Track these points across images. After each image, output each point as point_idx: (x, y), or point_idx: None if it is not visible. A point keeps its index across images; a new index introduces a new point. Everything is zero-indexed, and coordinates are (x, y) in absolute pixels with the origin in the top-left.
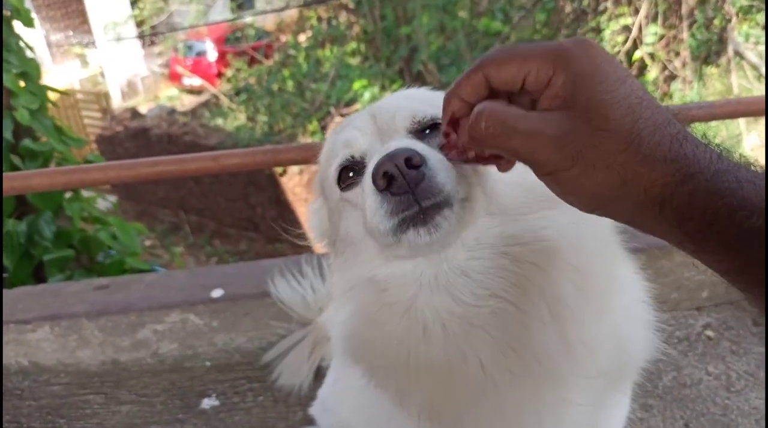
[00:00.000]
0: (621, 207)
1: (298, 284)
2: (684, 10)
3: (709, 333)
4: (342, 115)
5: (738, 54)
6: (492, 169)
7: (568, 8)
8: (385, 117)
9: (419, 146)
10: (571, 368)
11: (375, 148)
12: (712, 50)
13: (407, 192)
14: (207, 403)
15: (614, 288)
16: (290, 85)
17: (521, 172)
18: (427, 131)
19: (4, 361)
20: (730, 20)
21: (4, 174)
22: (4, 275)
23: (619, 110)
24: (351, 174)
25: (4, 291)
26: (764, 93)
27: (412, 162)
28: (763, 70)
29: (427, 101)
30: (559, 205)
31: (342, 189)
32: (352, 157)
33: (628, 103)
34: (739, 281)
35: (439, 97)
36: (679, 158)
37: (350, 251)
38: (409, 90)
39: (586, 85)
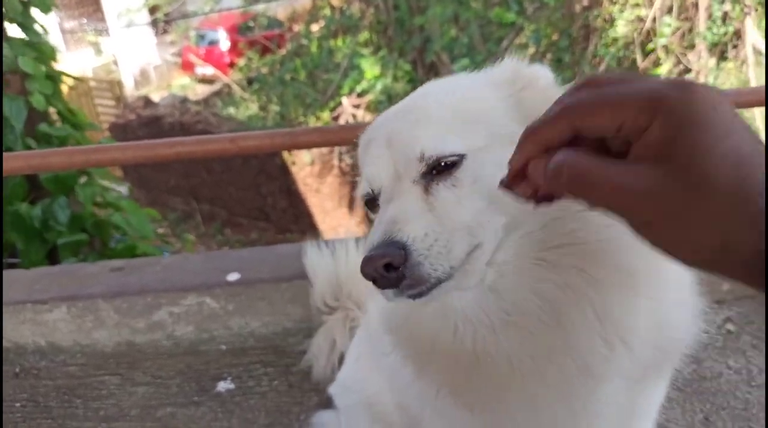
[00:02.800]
0: (721, 268)
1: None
2: (701, 2)
3: (730, 327)
4: (354, 106)
5: (756, 49)
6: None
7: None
8: (398, 155)
9: (409, 227)
10: (610, 366)
11: (390, 187)
12: (728, 44)
13: (393, 286)
14: (222, 386)
15: (658, 282)
16: (302, 74)
17: None
18: (434, 172)
19: (22, 340)
20: (748, 14)
21: (22, 153)
22: (18, 260)
23: (722, 168)
24: (375, 201)
25: (22, 272)
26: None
27: (393, 264)
28: None
29: (444, 121)
30: None
31: (370, 209)
32: (372, 191)
33: (735, 159)
34: None
35: (466, 100)
36: None
37: None
38: (432, 89)
39: (686, 138)
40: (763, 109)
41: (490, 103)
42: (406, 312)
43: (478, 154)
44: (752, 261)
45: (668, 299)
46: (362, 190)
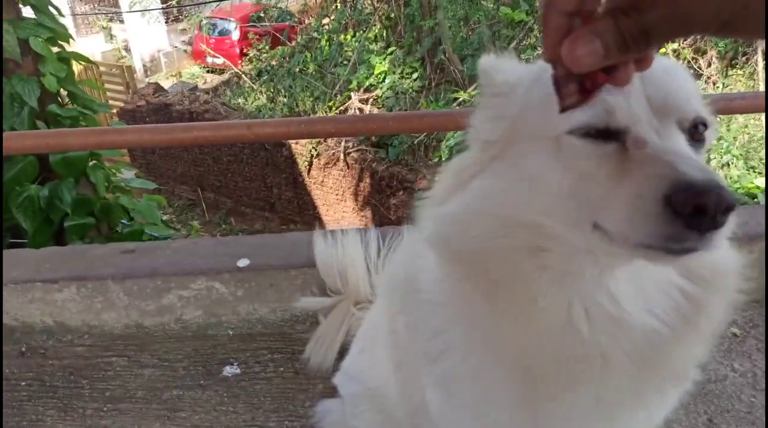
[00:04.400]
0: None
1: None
2: None
3: (735, 330)
4: (362, 101)
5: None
6: None
7: None
8: (660, 93)
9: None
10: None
11: (646, 125)
12: (739, 51)
13: (700, 236)
14: (229, 371)
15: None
16: (311, 67)
17: None
18: (692, 133)
19: (30, 319)
20: None
21: (38, 131)
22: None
23: None
24: (607, 133)
25: (31, 251)
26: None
27: (729, 209)
28: None
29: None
30: None
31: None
32: (609, 126)
33: None
34: None
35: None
36: None
37: (521, 180)
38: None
39: None
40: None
41: None
42: (477, 241)
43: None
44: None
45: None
46: (591, 118)
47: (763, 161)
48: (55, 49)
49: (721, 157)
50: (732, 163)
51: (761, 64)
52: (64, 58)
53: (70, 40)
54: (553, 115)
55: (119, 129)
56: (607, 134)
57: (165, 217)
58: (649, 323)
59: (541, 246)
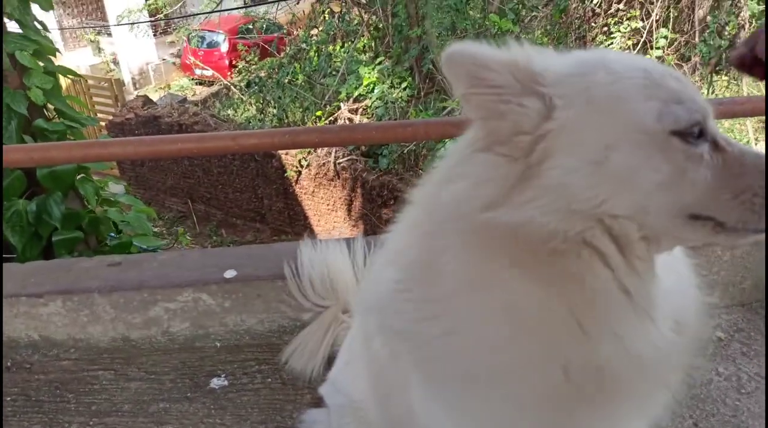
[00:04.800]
0: None
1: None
2: (697, 15)
3: (720, 334)
4: (351, 111)
5: None
6: None
7: (579, 9)
8: (697, 97)
9: None
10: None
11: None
12: (723, 57)
13: None
14: (216, 383)
15: None
16: (301, 78)
17: None
18: None
19: (14, 334)
20: (743, 26)
21: (23, 145)
22: (13, 255)
23: None
24: (701, 132)
25: (17, 265)
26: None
27: None
28: None
29: None
30: None
31: (689, 140)
32: (699, 123)
33: None
34: None
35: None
36: None
37: (605, 175)
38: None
39: None
40: (754, 119)
41: None
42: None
43: None
44: None
45: None
46: (689, 116)
47: None
48: (42, 63)
49: None
50: None
51: None
52: (50, 72)
53: (58, 53)
54: (651, 111)
55: (104, 142)
56: (700, 134)
57: (156, 229)
58: (671, 331)
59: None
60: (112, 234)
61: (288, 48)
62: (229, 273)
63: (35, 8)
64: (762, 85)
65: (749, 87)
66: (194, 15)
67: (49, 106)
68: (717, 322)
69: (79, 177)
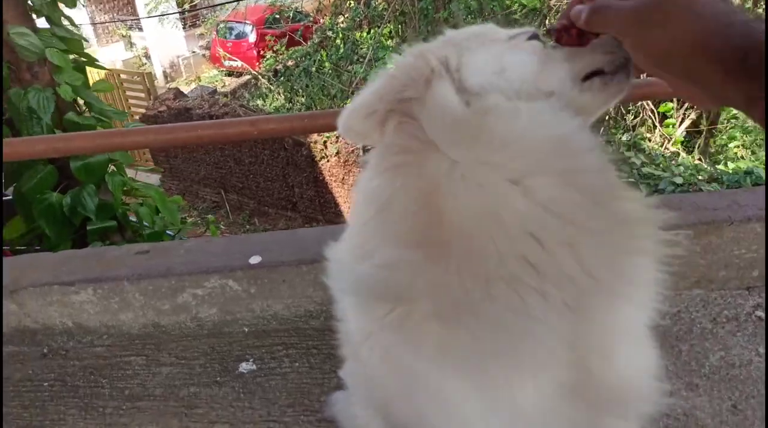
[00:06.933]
0: (697, 65)
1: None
2: None
3: (760, 313)
4: None
5: None
6: None
7: None
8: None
9: None
10: None
11: None
12: None
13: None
14: (245, 367)
15: None
16: (327, 66)
17: None
18: None
19: (50, 321)
20: None
21: (46, 136)
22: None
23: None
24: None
25: (49, 255)
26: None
27: None
28: None
29: None
30: None
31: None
32: (536, 35)
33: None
34: None
35: None
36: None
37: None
38: None
39: None
40: None
41: None
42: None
43: None
44: (726, 55)
45: None
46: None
47: None
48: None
49: None
50: None
51: None
52: (80, 68)
53: (92, 49)
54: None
55: (124, 131)
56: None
57: (189, 220)
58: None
59: None
60: (146, 223)
61: (314, 36)
62: (254, 259)
63: (61, 5)
64: None
65: None
66: (221, 5)
67: (80, 101)
68: (757, 302)
69: (110, 170)
